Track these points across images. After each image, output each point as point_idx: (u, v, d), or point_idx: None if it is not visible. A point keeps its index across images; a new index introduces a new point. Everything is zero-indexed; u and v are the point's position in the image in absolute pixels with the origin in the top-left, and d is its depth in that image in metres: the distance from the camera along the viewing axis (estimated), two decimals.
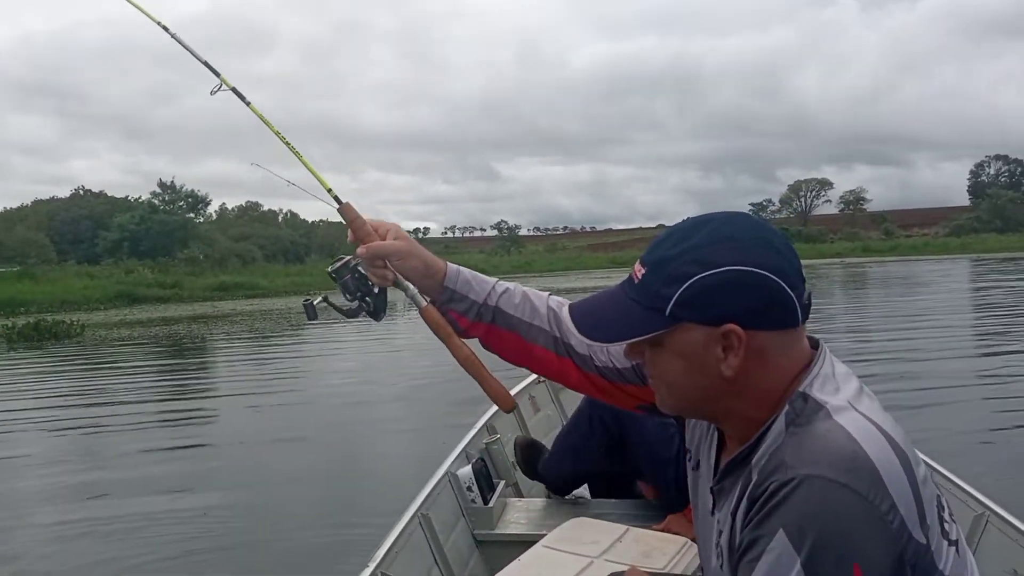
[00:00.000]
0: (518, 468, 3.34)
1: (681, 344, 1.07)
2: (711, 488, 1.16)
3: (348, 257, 1.46)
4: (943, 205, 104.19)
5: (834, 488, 0.93)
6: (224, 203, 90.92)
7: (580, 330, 1.14)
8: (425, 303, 1.43)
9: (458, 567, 2.74)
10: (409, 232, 1.46)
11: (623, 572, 1.47)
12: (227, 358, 15.53)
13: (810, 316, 1.08)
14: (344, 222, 1.45)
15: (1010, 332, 13.38)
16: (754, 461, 1.04)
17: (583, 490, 3.29)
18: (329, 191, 1.48)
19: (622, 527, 2.64)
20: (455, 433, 3.64)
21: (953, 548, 1.01)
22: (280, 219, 79.00)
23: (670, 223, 1.16)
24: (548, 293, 1.45)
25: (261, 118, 1.53)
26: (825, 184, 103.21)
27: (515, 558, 2.43)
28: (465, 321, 1.42)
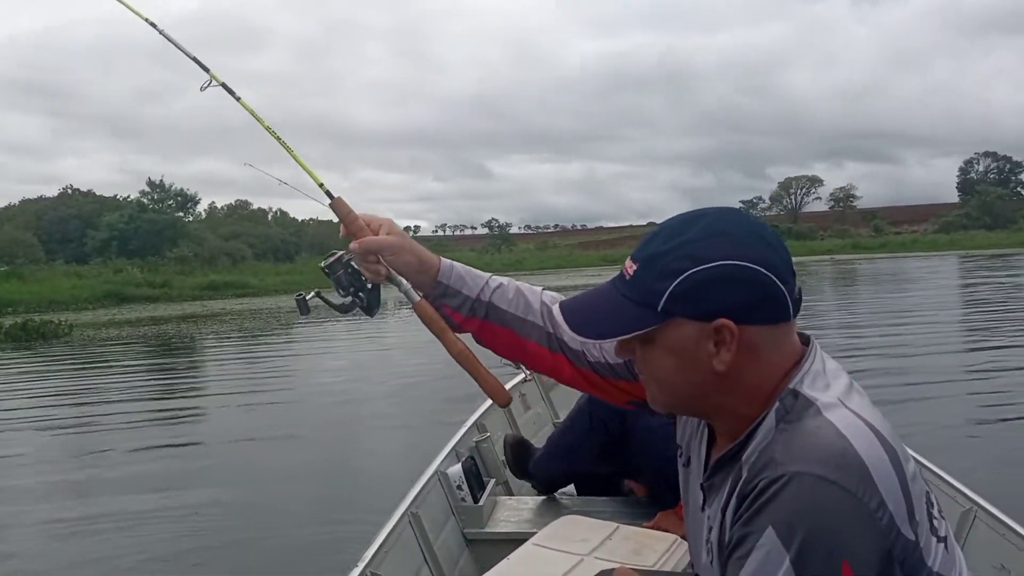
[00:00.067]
0: (508, 466, 3.34)
1: (673, 340, 1.07)
2: (701, 484, 1.16)
3: (341, 252, 1.45)
4: (933, 202, 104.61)
5: (823, 485, 0.93)
6: (213, 202, 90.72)
7: (571, 327, 1.13)
8: (419, 298, 1.43)
9: (448, 566, 2.73)
10: None
11: (613, 570, 1.47)
12: (217, 357, 15.47)
13: (800, 312, 1.09)
14: (336, 217, 1.44)
15: (997, 328, 13.48)
16: (744, 457, 1.05)
17: (569, 488, 3.28)
18: (320, 186, 1.48)
19: (612, 525, 2.64)
20: (445, 431, 3.64)
21: (942, 544, 1.02)
22: (270, 217, 78.71)
23: (661, 221, 1.16)
24: (542, 288, 1.45)
25: (252, 113, 1.53)
26: (815, 181, 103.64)
27: (505, 556, 2.43)
28: (459, 316, 1.42)
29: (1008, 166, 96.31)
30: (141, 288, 36.41)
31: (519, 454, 3.21)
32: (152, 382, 12.54)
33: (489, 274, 1.45)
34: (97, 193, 68.33)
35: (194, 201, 68.95)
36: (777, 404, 1.04)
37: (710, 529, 1.12)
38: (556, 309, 1.20)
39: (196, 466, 6.75)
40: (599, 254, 67.09)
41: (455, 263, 1.44)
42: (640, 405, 1.33)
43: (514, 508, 3.14)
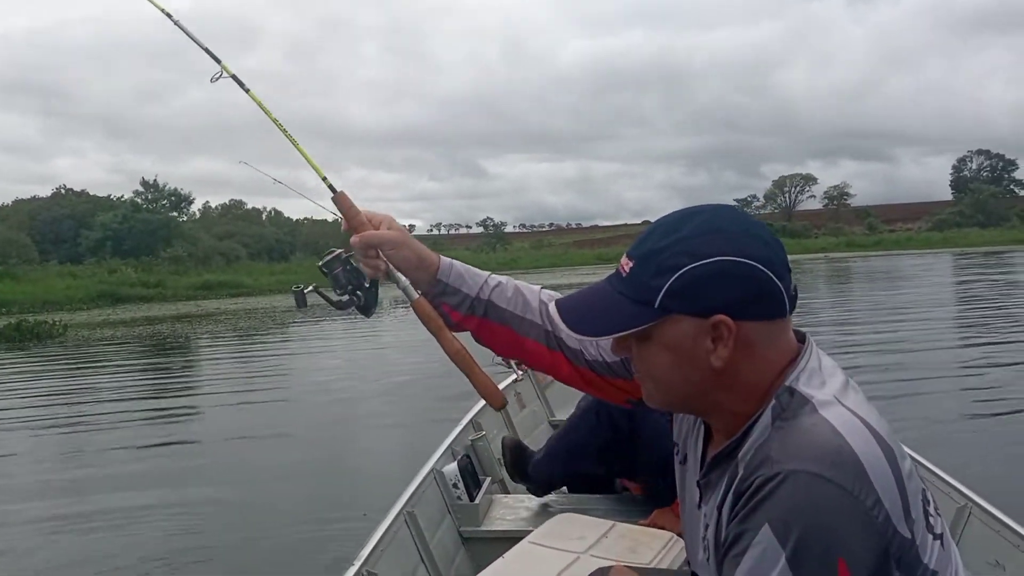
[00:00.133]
0: (504, 465, 3.33)
1: (670, 336, 1.06)
2: (697, 482, 1.16)
3: (339, 251, 1.45)
4: (926, 200, 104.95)
5: (819, 483, 0.93)
6: (207, 201, 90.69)
7: (568, 325, 1.13)
8: (417, 296, 1.43)
9: (444, 564, 2.73)
10: None
11: (609, 568, 1.47)
12: (212, 357, 15.45)
13: (795, 309, 1.08)
14: (331, 216, 1.44)
15: (991, 324, 13.52)
16: (740, 455, 1.04)
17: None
18: (324, 180, 1.48)
19: (608, 523, 2.65)
20: (440, 430, 3.64)
21: (938, 542, 1.02)
22: (264, 217, 78.61)
23: (655, 219, 1.16)
24: (540, 287, 1.45)
25: (260, 106, 1.53)
26: (809, 179, 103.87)
27: (501, 555, 2.43)
28: (457, 315, 1.42)
29: (1001, 164, 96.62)
30: (135, 288, 36.34)
31: (518, 458, 3.17)
32: (147, 382, 12.51)
33: (488, 272, 1.45)
34: (91, 193, 68.23)
35: (188, 201, 68.88)
36: (773, 401, 1.04)
37: (707, 526, 1.12)
38: (552, 307, 1.20)
39: (191, 465, 6.73)
40: (594, 252, 67.18)
41: (454, 261, 1.44)
42: (636, 403, 1.33)
43: (510, 506, 3.14)
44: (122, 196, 64.59)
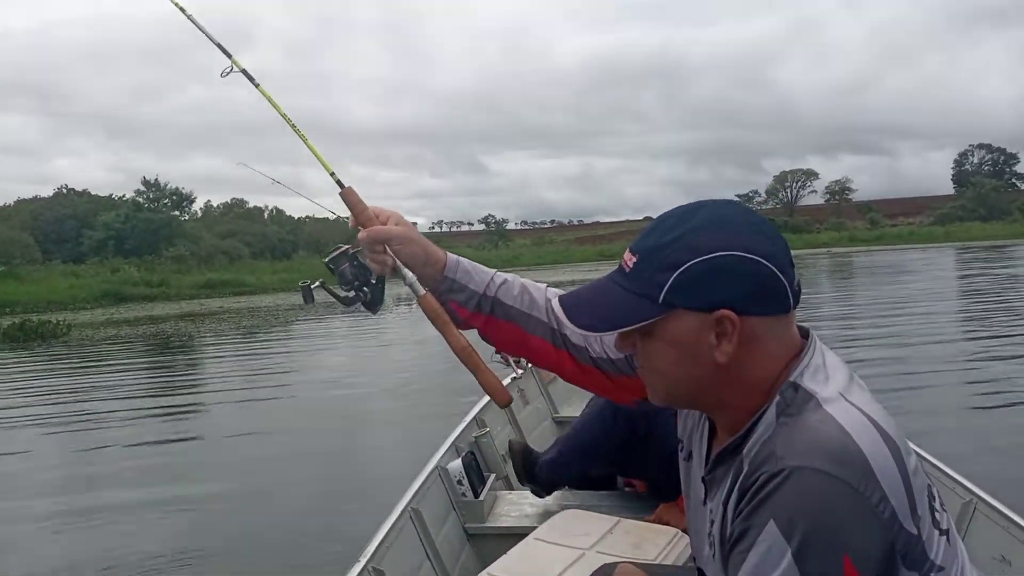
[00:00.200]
0: (508, 461, 3.33)
1: (673, 332, 1.06)
2: (703, 478, 1.16)
3: (346, 247, 1.45)
4: (928, 194, 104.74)
5: (824, 479, 0.93)
6: (209, 200, 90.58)
7: (572, 320, 1.13)
8: (424, 292, 1.43)
9: (449, 561, 2.74)
10: None
11: (615, 565, 1.47)
12: (216, 355, 15.45)
13: (799, 304, 1.08)
14: (334, 212, 1.45)
15: (992, 318, 13.50)
16: (745, 451, 1.04)
17: None
18: (332, 175, 1.48)
19: (613, 519, 2.65)
20: (445, 426, 3.64)
21: (944, 537, 1.02)
22: (266, 216, 78.54)
23: (657, 215, 1.16)
24: (546, 285, 1.45)
25: (270, 101, 1.53)
26: (811, 174, 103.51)
27: (506, 551, 2.43)
28: (464, 312, 1.42)
29: (1003, 158, 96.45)
30: (138, 287, 36.38)
31: (528, 461, 3.10)
32: (151, 380, 12.52)
33: (494, 270, 1.45)
34: (92, 193, 68.27)
35: (189, 200, 68.90)
36: (777, 397, 1.04)
37: (712, 523, 1.12)
38: (555, 303, 1.20)
39: (196, 462, 6.75)
40: (596, 249, 67.11)
41: (461, 258, 1.43)
42: (644, 402, 1.33)
43: (515, 503, 3.14)
44: (124, 195, 64.71)
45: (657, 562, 2.31)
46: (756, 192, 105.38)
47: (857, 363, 8.40)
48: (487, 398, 3.92)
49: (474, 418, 3.63)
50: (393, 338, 14.88)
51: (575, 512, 2.75)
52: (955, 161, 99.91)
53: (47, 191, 77.90)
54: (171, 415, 8.97)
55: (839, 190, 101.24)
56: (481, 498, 3.00)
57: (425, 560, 2.62)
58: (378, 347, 14.23)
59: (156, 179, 66.79)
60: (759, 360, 1.06)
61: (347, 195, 1.43)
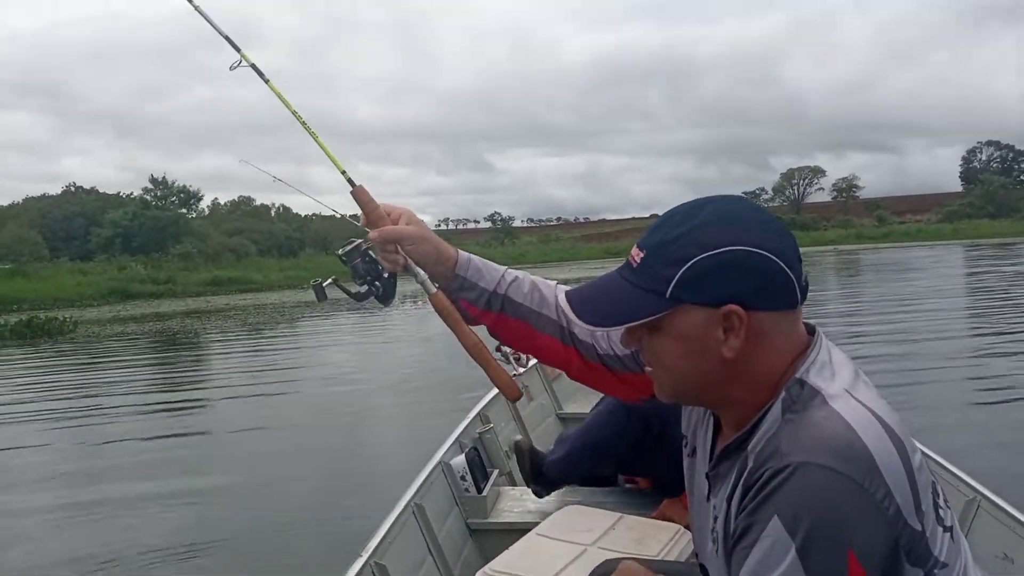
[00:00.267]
0: (512, 457, 3.33)
1: (681, 327, 1.06)
2: (707, 474, 1.16)
3: (359, 241, 1.45)
4: (936, 191, 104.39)
5: (830, 476, 0.92)
6: (216, 198, 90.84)
7: (579, 315, 1.13)
8: (435, 290, 1.43)
9: (452, 556, 2.74)
10: None
11: (617, 561, 1.46)
12: (222, 352, 15.50)
13: (806, 300, 1.08)
14: (336, 211, 1.44)
15: (1000, 315, 13.46)
16: (750, 447, 1.04)
17: None
18: (343, 174, 1.47)
19: (615, 515, 2.65)
20: (448, 422, 3.64)
21: (948, 534, 1.01)
22: (273, 213, 78.74)
23: (664, 212, 1.15)
24: (555, 282, 1.45)
25: (280, 97, 1.53)
26: (818, 172, 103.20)
27: (509, 547, 2.43)
28: (475, 309, 1.42)
29: (1011, 155, 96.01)
30: (145, 285, 36.50)
31: (535, 462, 3.07)
32: (157, 376, 12.58)
33: (504, 267, 1.45)
34: (100, 190, 68.58)
35: (197, 198, 68.94)
36: (783, 393, 1.03)
37: (715, 518, 1.11)
38: (562, 298, 1.19)
39: (201, 457, 6.78)
40: (602, 246, 67.12)
41: (472, 256, 1.43)
42: (651, 399, 1.32)
43: (517, 498, 3.14)
44: (131, 193, 64.93)
45: (660, 558, 2.31)
46: (763, 189, 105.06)
47: (862, 359, 8.39)
48: (491, 394, 3.94)
49: (478, 414, 3.64)
50: (398, 334, 14.92)
51: (577, 508, 2.74)
52: (963, 158, 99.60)
53: (55, 189, 78.30)
54: (176, 411, 9.01)
55: (846, 187, 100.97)
56: (484, 494, 3.01)
57: (427, 555, 2.62)
58: (383, 343, 14.26)
59: (164, 177, 66.78)
60: (766, 356, 1.05)
61: (358, 194, 1.43)
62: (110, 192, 66.97)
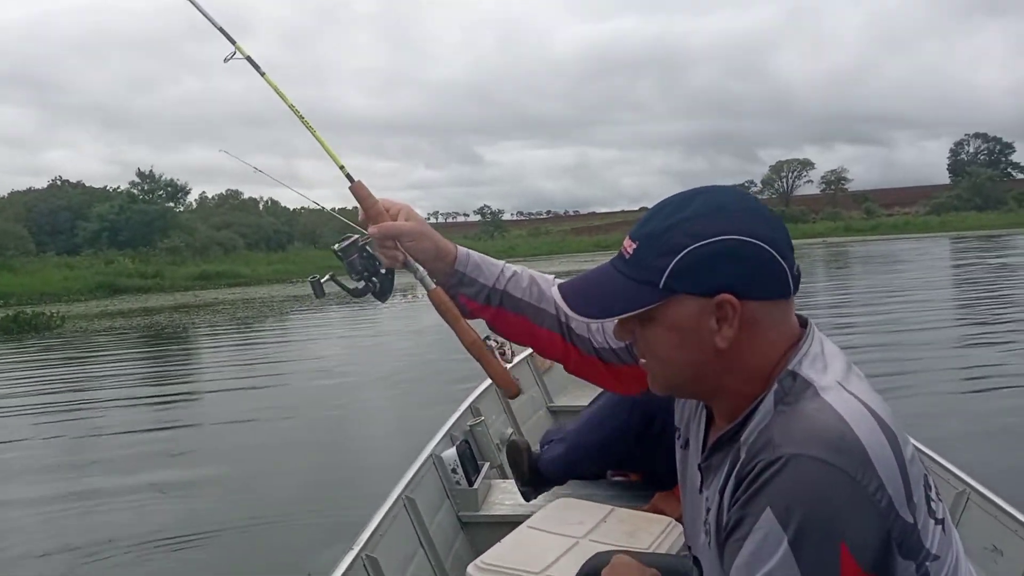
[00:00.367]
0: (503, 450, 3.33)
1: (674, 317, 1.06)
2: (699, 465, 1.16)
3: (355, 236, 1.44)
4: (924, 184, 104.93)
5: (822, 468, 0.92)
6: (204, 191, 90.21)
7: (572, 308, 1.12)
8: (434, 285, 1.42)
9: (443, 549, 2.74)
10: None
11: (609, 554, 1.46)
12: (211, 346, 15.45)
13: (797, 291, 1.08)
14: (318, 203, 1.43)
15: (986, 306, 13.57)
16: (742, 439, 1.04)
17: None
18: (342, 168, 1.46)
19: (607, 508, 2.65)
20: (439, 415, 3.64)
21: (939, 526, 1.01)
22: (261, 207, 78.43)
23: (653, 205, 1.15)
24: (553, 276, 1.44)
25: (275, 89, 1.51)
26: (807, 164, 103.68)
27: (500, 539, 2.43)
28: (474, 305, 1.42)
29: (999, 147, 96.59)
30: (133, 279, 36.34)
31: (531, 461, 2.97)
32: (145, 371, 12.54)
33: (503, 262, 1.45)
34: (87, 184, 68.06)
35: (184, 191, 68.61)
36: (776, 385, 1.03)
37: (708, 510, 1.11)
38: (555, 290, 1.19)
39: (190, 449, 6.76)
40: (592, 239, 67.24)
41: (471, 251, 1.43)
42: (647, 392, 1.32)
43: (509, 491, 3.14)
44: (118, 187, 64.52)
45: (651, 551, 2.31)
46: (752, 182, 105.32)
47: (851, 349, 8.43)
48: (482, 387, 3.93)
49: (469, 407, 3.63)
50: (388, 328, 14.89)
51: (569, 501, 2.74)
52: (951, 151, 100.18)
53: (41, 183, 77.65)
54: (165, 404, 8.99)
55: (835, 180, 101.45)
56: (475, 486, 3.00)
57: (419, 548, 2.62)
58: (374, 337, 14.23)
59: (151, 170, 66.39)
60: (759, 346, 1.05)
61: (357, 189, 1.42)
62: (97, 186, 66.57)
